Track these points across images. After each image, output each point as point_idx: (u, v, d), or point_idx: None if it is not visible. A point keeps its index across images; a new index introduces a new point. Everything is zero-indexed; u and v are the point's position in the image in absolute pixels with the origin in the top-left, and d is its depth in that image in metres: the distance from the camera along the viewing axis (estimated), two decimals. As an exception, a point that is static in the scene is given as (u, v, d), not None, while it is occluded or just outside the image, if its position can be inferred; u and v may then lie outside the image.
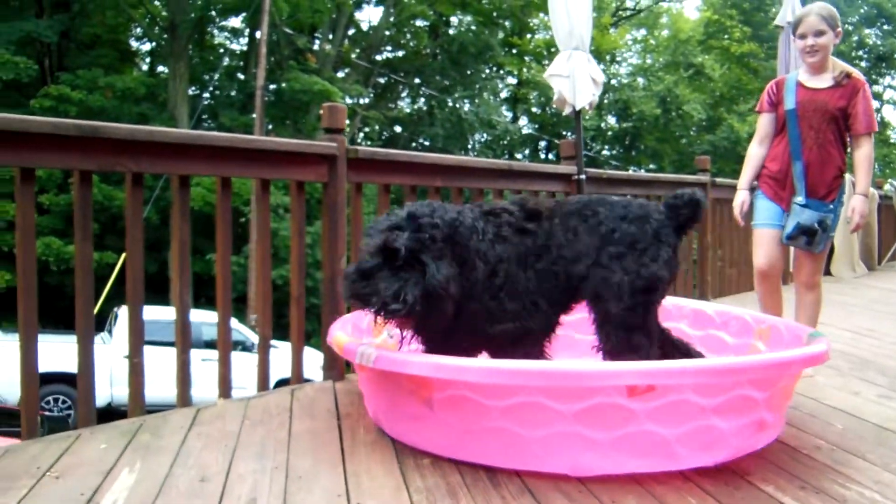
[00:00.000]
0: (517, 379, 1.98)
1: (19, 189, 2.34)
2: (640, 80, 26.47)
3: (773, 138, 3.35)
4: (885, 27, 26.42)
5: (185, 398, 2.75)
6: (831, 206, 3.20)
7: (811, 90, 3.24)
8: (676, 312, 3.22)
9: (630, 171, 18.18)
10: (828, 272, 8.23)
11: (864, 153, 3.20)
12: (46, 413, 10.35)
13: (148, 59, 22.66)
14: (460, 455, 2.15)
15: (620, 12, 28.28)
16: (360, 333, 2.81)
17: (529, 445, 2.04)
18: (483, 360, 2.37)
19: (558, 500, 1.90)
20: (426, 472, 2.08)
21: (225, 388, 2.86)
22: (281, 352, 7.92)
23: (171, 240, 2.83)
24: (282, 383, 3.47)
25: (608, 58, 26.26)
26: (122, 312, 12.33)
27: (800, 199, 3.19)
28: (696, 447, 2.06)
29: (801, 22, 3.23)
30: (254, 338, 13.01)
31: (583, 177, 4.36)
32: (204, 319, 10.54)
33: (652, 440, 2.02)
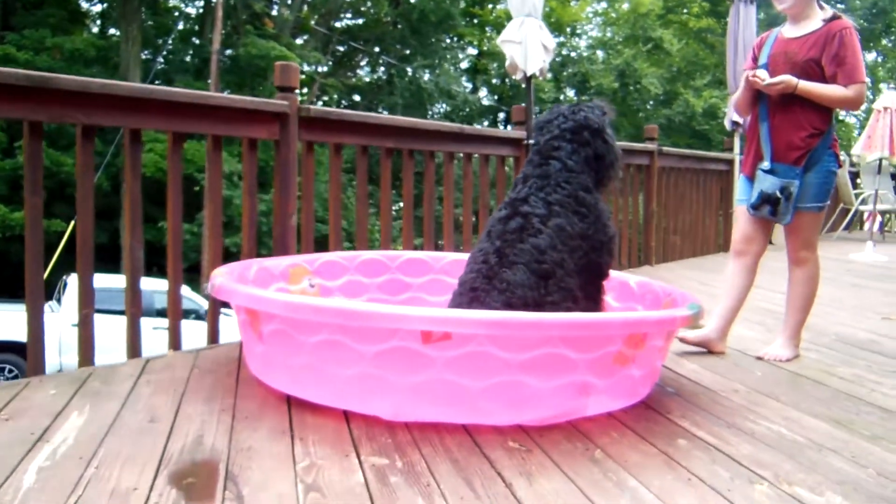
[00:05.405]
0: (308, 314, 2.04)
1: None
2: (600, 54, 26.64)
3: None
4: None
5: (135, 349, 2.81)
6: (798, 172, 2.83)
7: (785, 41, 2.90)
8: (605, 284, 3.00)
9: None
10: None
11: (841, 90, 2.76)
12: (-7, 380, 10.15)
13: (99, 21, 21.98)
14: (292, 391, 2.25)
15: (582, -16, 28.30)
16: (244, 283, 2.75)
17: (343, 385, 2.08)
18: (286, 295, 2.48)
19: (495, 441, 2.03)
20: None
21: (175, 339, 2.92)
22: (234, 319, 7.88)
23: (124, 194, 2.85)
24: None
25: (568, 30, 26.33)
26: (72, 280, 12.12)
27: (765, 164, 2.88)
28: (503, 403, 2.02)
29: None
30: (207, 306, 12.91)
31: (532, 141, 4.46)
32: (156, 288, 10.45)
33: (452, 390, 1.99)
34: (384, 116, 3.70)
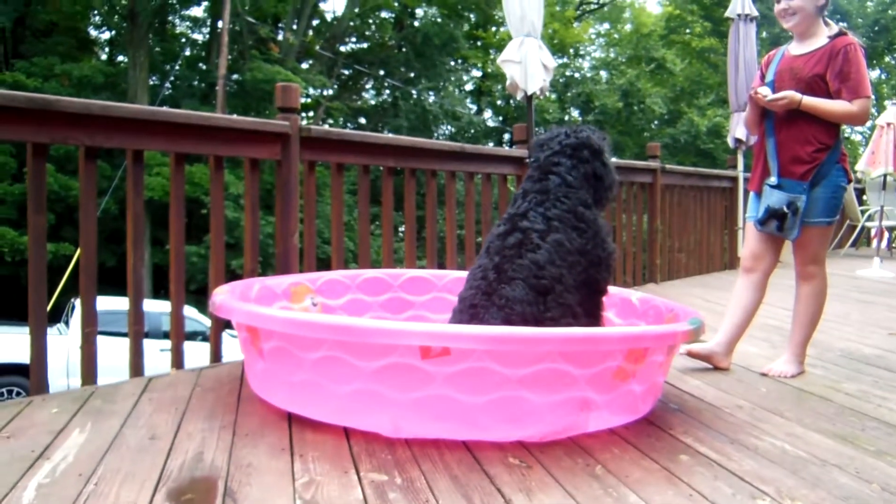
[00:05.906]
0: (307, 330, 2.04)
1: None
2: (603, 74, 26.81)
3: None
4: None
5: (137, 367, 2.81)
6: (805, 186, 2.83)
7: (791, 58, 2.94)
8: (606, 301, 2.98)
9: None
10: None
11: (845, 105, 2.78)
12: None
13: (107, 48, 22.27)
14: (292, 408, 2.24)
15: (584, 6, 28.57)
16: (247, 301, 2.75)
17: (343, 401, 2.08)
18: (285, 312, 2.50)
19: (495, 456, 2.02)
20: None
21: (178, 358, 2.93)
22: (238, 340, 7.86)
23: (127, 212, 2.87)
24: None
25: (572, 51, 26.51)
26: (80, 304, 12.16)
27: (772, 179, 2.90)
28: (502, 418, 2.01)
29: None
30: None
31: (532, 159, 4.48)
32: (164, 310, 10.49)
33: (452, 406, 1.98)
34: (385, 136, 3.73)
